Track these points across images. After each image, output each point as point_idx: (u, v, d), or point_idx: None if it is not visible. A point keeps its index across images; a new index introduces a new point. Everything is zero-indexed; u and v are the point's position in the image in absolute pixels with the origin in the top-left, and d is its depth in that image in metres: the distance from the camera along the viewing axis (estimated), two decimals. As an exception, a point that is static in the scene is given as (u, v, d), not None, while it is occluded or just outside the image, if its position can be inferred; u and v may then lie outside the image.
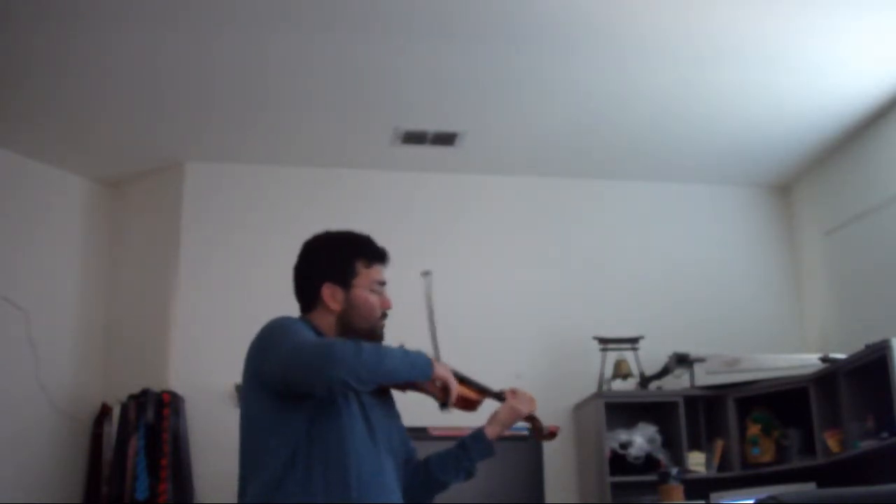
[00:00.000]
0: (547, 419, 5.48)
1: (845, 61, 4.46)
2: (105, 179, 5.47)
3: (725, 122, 5.04)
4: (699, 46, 4.31)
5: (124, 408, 4.87)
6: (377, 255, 2.56)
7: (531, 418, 2.65)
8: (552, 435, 2.70)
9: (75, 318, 5.24)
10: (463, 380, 2.56)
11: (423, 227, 5.40)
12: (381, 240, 2.63)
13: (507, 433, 2.62)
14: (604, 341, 5.15)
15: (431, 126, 5.05)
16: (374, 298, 2.51)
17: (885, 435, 4.23)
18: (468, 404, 2.56)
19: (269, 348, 2.34)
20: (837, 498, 2.24)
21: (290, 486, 2.26)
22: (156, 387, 4.88)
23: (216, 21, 4.04)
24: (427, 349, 2.54)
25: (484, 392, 2.61)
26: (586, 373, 5.18)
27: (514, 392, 2.63)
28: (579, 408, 5.22)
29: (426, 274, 2.70)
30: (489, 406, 2.63)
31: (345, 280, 2.49)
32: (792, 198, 5.82)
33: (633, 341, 5.15)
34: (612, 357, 5.15)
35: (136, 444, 4.74)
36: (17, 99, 4.60)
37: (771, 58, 4.42)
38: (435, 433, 4.10)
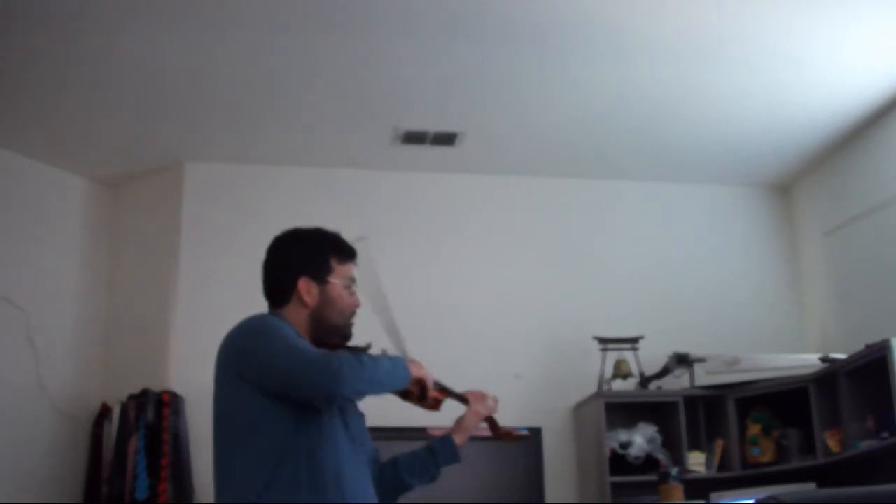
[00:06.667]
0: (547, 419, 5.49)
1: (846, 61, 4.46)
2: (105, 179, 5.47)
3: (725, 121, 5.04)
4: (699, 46, 4.31)
5: (124, 408, 4.87)
6: (348, 252, 2.52)
7: (489, 419, 2.64)
8: (508, 436, 2.67)
9: (75, 318, 5.23)
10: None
11: (423, 227, 5.39)
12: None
13: (481, 433, 2.63)
14: (604, 341, 5.15)
15: (431, 126, 5.05)
16: (346, 295, 2.48)
17: (885, 435, 4.23)
18: (434, 404, 2.54)
19: (259, 351, 2.30)
20: (837, 498, 2.24)
21: (280, 486, 2.23)
22: (156, 387, 4.88)
23: (216, 21, 4.04)
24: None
25: (446, 392, 2.58)
26: (586, 373, 5.18)
27: (475, 395, 2.62)
28: (579, 408, 5.22)
29: (361, 239, 2.58)
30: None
31: (320, 275, 2.46)
32: (792, 198, 5.82)
33: (633, 341, 5.15)
34: (612, 357, 5.14)
35: (136, 444, 4.74)
36: (17, 99, 4.60)
37: (771, 58, 4.41)
38: (434, 433, 4.08)
